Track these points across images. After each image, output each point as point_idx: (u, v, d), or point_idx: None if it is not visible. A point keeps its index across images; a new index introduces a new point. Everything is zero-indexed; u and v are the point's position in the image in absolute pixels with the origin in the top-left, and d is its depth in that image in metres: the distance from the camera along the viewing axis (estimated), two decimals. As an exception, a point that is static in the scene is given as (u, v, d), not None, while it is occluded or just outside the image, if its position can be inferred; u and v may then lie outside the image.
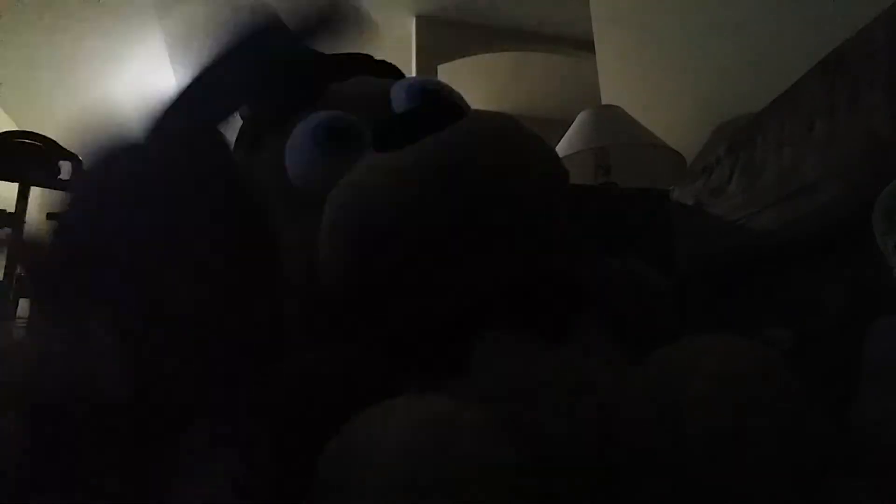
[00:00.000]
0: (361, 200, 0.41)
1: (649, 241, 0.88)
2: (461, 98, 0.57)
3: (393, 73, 0.61)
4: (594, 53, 1.89)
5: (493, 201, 0.40)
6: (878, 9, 0.54)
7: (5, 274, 1.71)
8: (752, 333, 0.37)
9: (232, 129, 0.58)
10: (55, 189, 1.86)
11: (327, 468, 0.28)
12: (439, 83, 0.56)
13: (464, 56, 3.16)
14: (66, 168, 1.83)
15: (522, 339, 0.40)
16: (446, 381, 0.38)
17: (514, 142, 0.43)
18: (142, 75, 3.56)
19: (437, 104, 0.45)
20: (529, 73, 3.60)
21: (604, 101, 1.75)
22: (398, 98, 0.53)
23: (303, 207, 0.46)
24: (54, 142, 1.81)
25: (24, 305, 2.05)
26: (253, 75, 0.41)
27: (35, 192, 1.85)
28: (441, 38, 3.09)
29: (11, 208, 1.76)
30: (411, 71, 3.02)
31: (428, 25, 3.09)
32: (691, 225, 0.83)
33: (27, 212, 1.77)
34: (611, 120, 1.25)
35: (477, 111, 0.46)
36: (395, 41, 3.15)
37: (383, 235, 0.40)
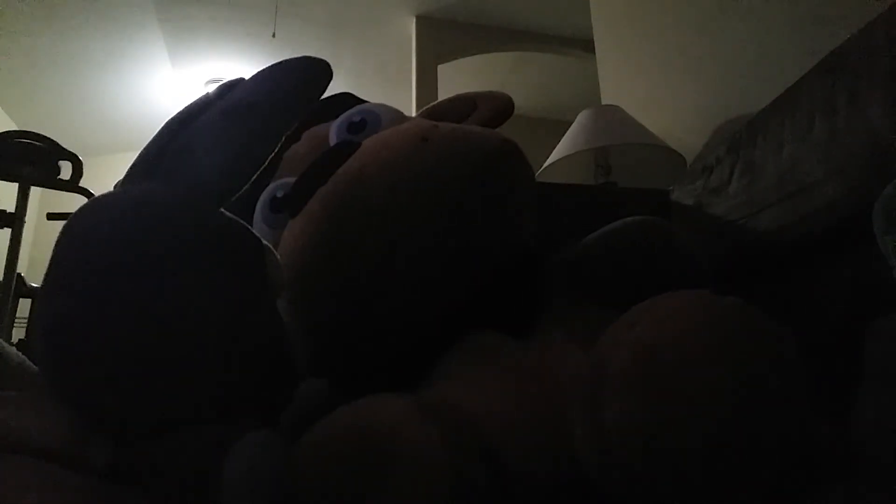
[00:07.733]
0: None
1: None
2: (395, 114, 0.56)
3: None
4: (594, 53, 1.89)
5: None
6: (877, 9, 0.54)
7: (5, 274, 1.71)
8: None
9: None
10: (55, 189, 1.86)
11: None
12: (367, 112, 0.54)
13: (464, 56, 3.16)
14: (66, 168, 1.83)
15: (494, 338, 0.39)
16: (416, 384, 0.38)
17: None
18: (142, 75, 3.56)
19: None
20: (529, 73, 3.60)
21: (604, 101, 1.75)
22: (332, 138, 0.54)
23: None
24: (54, 142, 1.81)
25: (23, 305, 2.05)
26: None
27: (35, 192, 1.85)
28: (441, 38, 3.09)
29: (11, 208, 1.75)
30: (411, 71, 3.02)
31: (428, 25, 3.09)
32: (691, 225, 0.82)
33: (27, 212, 1.76)
34: (611, 120, 1.25)
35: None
36: (395, 41, 3.15)
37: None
